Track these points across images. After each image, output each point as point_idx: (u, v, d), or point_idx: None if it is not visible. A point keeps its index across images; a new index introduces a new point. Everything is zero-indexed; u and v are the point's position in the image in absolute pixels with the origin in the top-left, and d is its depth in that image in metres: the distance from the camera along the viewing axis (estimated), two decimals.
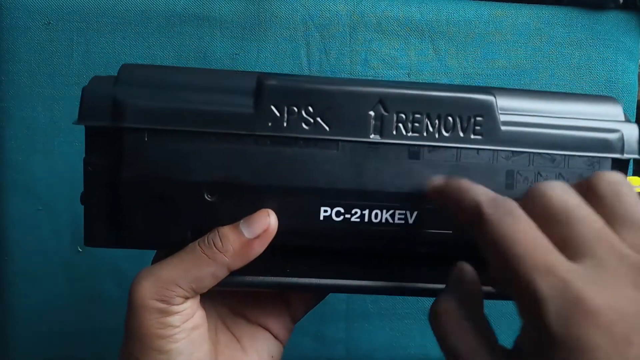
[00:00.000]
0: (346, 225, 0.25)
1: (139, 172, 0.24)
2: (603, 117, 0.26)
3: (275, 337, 0.29)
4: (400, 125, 0.25)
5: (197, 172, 0.24)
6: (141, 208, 0.25)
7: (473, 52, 0.47)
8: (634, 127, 0.26)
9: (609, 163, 0.25)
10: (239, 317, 0.29)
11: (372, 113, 0.25)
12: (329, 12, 0.45)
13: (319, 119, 0.24)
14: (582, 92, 0.48)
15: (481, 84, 0.47)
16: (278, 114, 0.24)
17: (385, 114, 0.25)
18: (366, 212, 0.25)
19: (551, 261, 0.17)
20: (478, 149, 0.25)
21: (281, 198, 0.25)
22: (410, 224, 0.25)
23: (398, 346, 0.48)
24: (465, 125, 0.25)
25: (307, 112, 0.24)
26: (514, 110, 0.26)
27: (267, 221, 0.24)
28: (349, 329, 0.47)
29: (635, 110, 0.49)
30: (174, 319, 0.24)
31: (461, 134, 0.25)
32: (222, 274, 0.24)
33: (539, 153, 0.25)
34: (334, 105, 0.24)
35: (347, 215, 0.25)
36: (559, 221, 0.19)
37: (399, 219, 0.25)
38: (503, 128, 0.25)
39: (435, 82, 0.46)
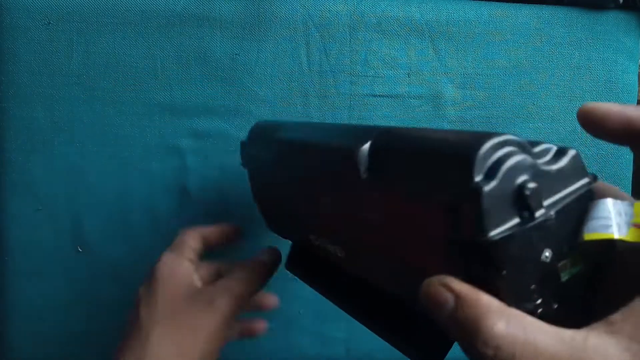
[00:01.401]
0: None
1: (256, 194, 0.38)
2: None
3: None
4: None
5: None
6: (271, 213, 0.37)
7: (473, 52, 0.47)
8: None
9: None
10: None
11: None
12: (329, 12, 0.45)
13: None
14: (582, 92, 0.48)
15: (481, 84, 0.47)
16: None
17: None
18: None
19: None
20: None
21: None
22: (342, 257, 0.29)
23: None
24: None
25: None
26: None
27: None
28: (350, 328, 0.47)
29: None
30: None
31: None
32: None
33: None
34: None
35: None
36: None
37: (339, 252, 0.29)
38: None
39: (434, 81, 0.46)
